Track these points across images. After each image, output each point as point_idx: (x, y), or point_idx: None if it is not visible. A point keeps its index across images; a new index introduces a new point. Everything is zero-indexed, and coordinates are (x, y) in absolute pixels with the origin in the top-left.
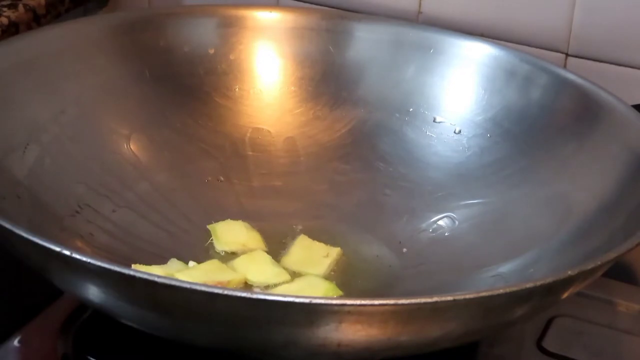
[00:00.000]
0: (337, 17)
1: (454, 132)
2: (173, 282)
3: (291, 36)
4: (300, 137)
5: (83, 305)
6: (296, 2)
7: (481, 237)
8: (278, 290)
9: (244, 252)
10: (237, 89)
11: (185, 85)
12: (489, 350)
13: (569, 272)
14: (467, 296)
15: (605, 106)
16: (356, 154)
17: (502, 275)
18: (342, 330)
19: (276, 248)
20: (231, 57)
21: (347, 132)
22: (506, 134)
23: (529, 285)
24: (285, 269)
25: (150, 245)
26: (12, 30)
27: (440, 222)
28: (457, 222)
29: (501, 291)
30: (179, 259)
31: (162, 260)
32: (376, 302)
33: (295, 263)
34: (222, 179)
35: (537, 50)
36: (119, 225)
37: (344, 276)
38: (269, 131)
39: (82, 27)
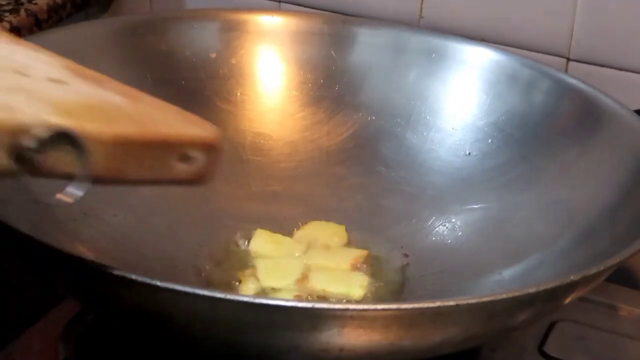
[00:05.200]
0: (338, 21)
1: (456, 138)
2: (175, 287)
3: (293, 40)
4: (302, 142)
5: (84, 310)
6: (298, 6)
7: (483, 241)
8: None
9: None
10: (238, 94)
11: (187, 89)
12: (490, 355)
13: (572, 277)
14: (470, 301)
15: (607, 111)
16: (358, 158)
17: (505, 280)
18: (345, 335)
19: None
20: (233, 61)
21: (349, 137)
22: (508, 138)
23: (532, 290)
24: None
25: (151, 250)
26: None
27: (442, 227)
28: (459, 227)
29: (504, 296)
30: (179, 262)
31: (163, 264)
32: (379, 306)
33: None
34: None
35: (539, 54)
36: (120, 230)
37: None
38: (270, 135)
39: (84, 31)
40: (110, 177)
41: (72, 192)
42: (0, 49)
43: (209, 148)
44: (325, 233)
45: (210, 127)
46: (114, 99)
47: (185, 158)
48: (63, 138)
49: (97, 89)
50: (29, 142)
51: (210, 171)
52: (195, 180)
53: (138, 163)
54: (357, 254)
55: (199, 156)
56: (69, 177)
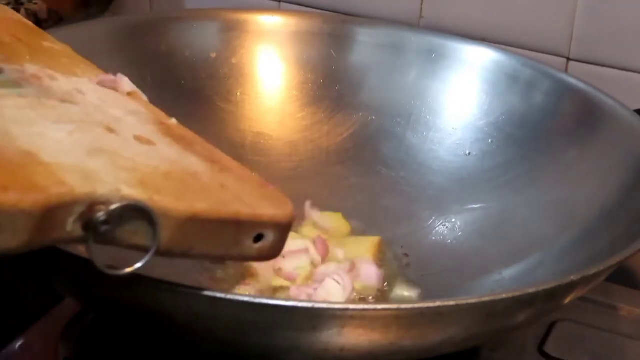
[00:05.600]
0: (338, 21)
1: (456, 138)
2: (175, 287)
3: (293, 40)
4: (302, 142)
5: (84, 310)
6: (298, 6)
7: (483, 241)
8: None
9: None
10: (238, 93)
11: (187, 89)
12: (490, 355)
13: (572, 277)
14: (470, 301)
15: (607, 111)
16: (358, 158)
17: (505, 280)
18: (345, 335)
19: None
20: (233, 61)
21: (349, 137)
22: (508, 138)
23: (532, 290)
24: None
25: None
26: None
27: (442, 227)
28: (459, 227)
29: (504, 296)
30: (180, 262)
31: (162, 263)
32: (379, 306)
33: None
34: None
35: (539, 54)
36: None
37: None
38: (270, 135)
39: (84, 31)
40: (179, 251)
41: (136, 265)
42: (96, 98)
43: (282, 229)
44: (327, 224)
45: (285, 203)
46: (197, 167)
47: (258, 237)
48: (135, 211)
49: (183, 153)
50: (100, 214)
51: (278, 248)
52: (263, 257)
53: (209, 240)
54: (374, 242)
55: (271, 235)
56: (136, 248)
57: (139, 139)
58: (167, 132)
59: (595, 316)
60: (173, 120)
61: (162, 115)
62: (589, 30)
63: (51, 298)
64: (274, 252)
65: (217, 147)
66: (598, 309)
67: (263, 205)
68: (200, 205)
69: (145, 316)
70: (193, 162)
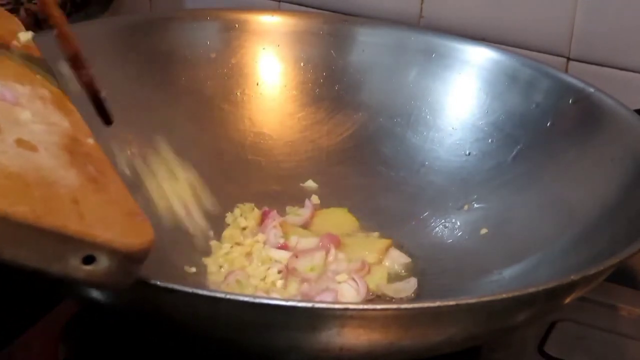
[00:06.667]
0: (338, 21)
1: (456, 137)
2: (175, 287)
3: (293, 40)
4: (302, 142)
5: (84, 310)
6: (298, 6)
7: (483, 241)
8: None
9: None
10: (238, 93)
11: (187, 89)
12: (490, 355)
13: (572, 277)
14: (470, 301)
15: (607, 110)
16: (357, 158)
17: (504, 280)
18: (345, 334)
19: None
20: (233, 61)
21: (349, 137)
22: (507, 138)
23: (532, 290)
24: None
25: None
26: None
27: (442, 227)
28: (459, 227)
29: (503, 296)
30: (180, 260)
31: (162, 265)
32: (378, 306)
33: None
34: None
35: (539, 54)
36: None
37: None
38: (270, 135)
39: (83, 31)
40: None
41: None
42: (24, 106)
43: (122, 257)
44: (334, 220)
45: (142, 236)
46: (65, 181)
47: (90, 260)
48: None
49: (64, 167)
50: None
51: (120, 277)
52: (97, 283)
53: (25, 247)
54: (383, 244)
55: (105, 260)
56: None
57: (19, 142)
58: (70, 147)
59: (595, 316)
60: (90, 140)
61: (84, 132)
62: (589, 30)
63: (51, 298)
64: (113, 279)
65: (217, 146)
66: (598, 309)
67: (110, 228)
68: (20, 208)
69: (145, 316)
70: (66, 176)
